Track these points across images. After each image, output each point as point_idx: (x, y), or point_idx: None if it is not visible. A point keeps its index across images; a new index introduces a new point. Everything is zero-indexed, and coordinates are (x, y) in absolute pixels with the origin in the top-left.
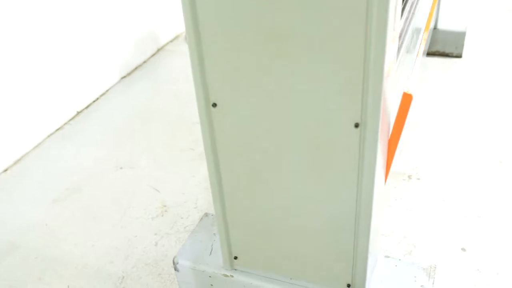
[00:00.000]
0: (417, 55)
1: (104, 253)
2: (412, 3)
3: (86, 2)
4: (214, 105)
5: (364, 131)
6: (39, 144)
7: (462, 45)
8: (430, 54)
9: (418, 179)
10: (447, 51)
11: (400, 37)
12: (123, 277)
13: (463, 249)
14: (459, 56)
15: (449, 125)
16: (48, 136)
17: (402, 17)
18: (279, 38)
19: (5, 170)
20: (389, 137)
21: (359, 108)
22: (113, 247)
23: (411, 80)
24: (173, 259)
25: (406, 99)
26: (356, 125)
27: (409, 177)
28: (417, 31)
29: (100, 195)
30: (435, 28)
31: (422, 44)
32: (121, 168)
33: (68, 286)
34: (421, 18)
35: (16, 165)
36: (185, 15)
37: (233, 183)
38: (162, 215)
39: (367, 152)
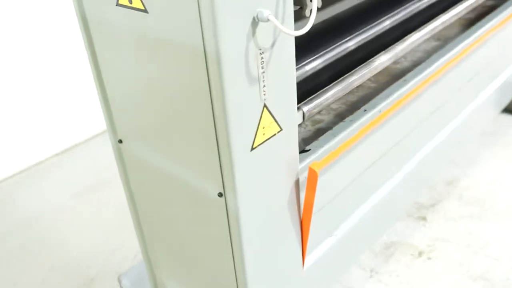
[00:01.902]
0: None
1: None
2: None
3: None
4: (120, 141)
5: (226, 200)
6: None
7: None
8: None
9: (429, 258)
10: None
11: None
12: None
13: None
14: None
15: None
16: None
17: None
18: None
19: (57, 154)
20: (301, 216)
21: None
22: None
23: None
24: (118, 276)
25: (312, 176)
26: (220, 195)
27: (420, 253)
28: None
29: None
30: None
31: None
32: None
33: None
34: None
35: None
36: None
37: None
38: None
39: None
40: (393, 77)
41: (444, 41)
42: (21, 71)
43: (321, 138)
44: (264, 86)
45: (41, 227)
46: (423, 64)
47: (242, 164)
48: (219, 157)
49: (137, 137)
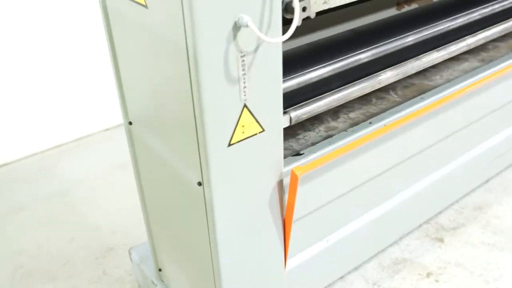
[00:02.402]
0: None
1: None
2: None
3: None
4: (130, 123)
5: (204, 190)
6: None
7: None
8: None
9: (437, 281)
10: None
11: None
12: None
13: None
14: None
15: None
16: None
17: None
18: None
19: (107, 129)
20: (284, 216)
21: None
22: None
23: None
24: (129, 249)
25: (293, 179)
26: (199, 184)
27: (428, 274)
28: None
29: None
30: None
31: None
32: None
33: None
34: None
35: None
36: None
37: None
38: None
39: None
40: (421, 93)
41: (487, 62)
42: (82, 53)
43: (319, 144)
44: (244, 87)
45: (73, 197)
46: (445, 85)
47: (218, 157)
48: (198, 148)
49: (141, 120)
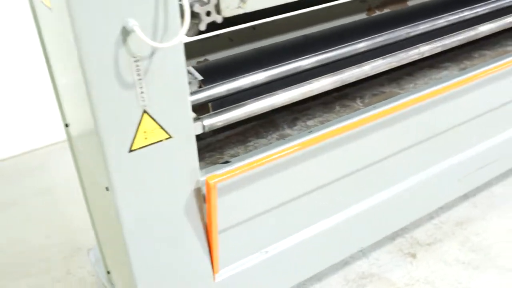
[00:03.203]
0: None
1: None
2: None
3: None
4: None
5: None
6: None
7: None
8: None
9: None
10: None
11: None
12: None
13: None
14: None
15: None
16: None
17: None
18: None
19: None
20: (208, 226)
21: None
22: None
23: None
24: (88, 250)
25: (208, 187)
26: (107, 189)
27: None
28: None
29: None
30: None
31: None
32: None
33: None
34: None
35: None
36: None
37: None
38: None
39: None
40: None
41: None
42: None
43: (251, 153)
44: (142, 92)
45: (58, 196)
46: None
47: (119, 163)
48: (102, 154)
49: (74, 123)
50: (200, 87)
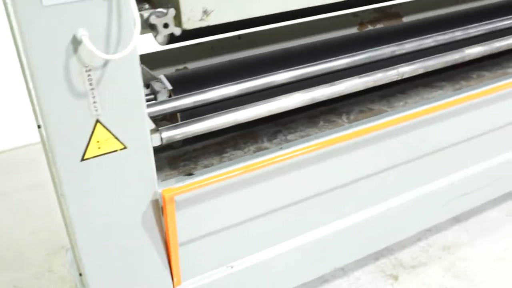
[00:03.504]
0: None
1: None
2: None
3: None
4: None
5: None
6: None
7: None
8: None
9: None
10: None
11: None
12: None
13: None
14: None
15: None
16: None
17: None
18: None
19: None
20: (167, 239)
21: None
22: None
23: None
24: (66, 250)
25: (164, 200)
26: (61, 195)
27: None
28: None
29: None
30: None
31: None
32: None
33: None
34: None
35: None
36: None
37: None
38: None
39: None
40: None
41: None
42: None
43: (218, 166)
44: (95, 102)
45: (49, 190)
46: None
47: (70, 171)
48: (54, 160)
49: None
50: (169, 96)
